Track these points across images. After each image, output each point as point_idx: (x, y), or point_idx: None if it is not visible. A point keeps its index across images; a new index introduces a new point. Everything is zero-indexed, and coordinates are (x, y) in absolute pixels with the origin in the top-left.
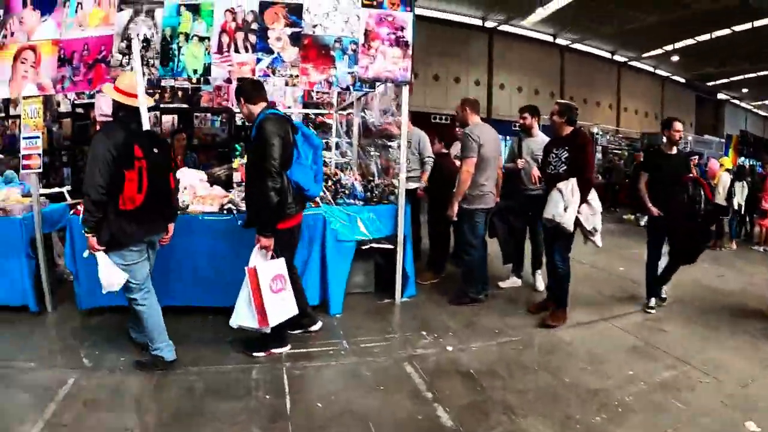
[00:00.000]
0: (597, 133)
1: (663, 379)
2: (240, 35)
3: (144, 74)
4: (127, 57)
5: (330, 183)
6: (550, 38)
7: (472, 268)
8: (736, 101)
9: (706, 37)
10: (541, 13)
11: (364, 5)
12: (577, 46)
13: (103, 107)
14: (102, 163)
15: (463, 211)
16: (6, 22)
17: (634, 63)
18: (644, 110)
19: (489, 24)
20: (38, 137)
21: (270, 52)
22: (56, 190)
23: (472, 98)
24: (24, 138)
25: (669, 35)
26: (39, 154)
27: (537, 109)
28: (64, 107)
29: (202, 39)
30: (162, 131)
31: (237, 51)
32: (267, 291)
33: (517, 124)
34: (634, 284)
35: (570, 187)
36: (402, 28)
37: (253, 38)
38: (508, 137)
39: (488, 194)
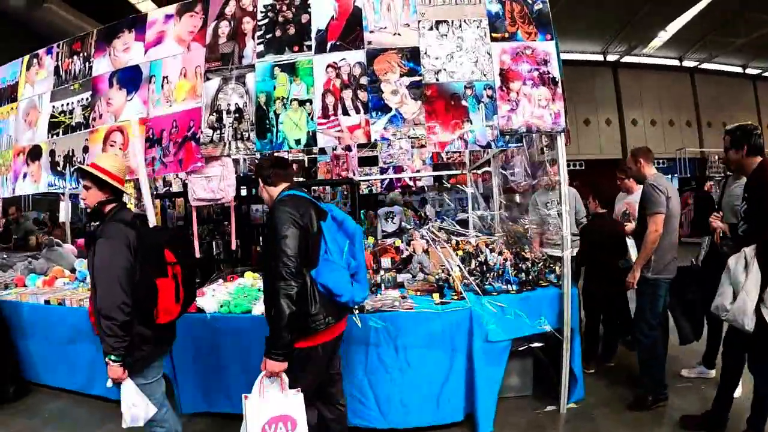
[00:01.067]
0: None
1: None
2: (347, 93)
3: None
4: (218, 132)
5: (474, 264)
6: (676, 62)
7: (653, 355)
8: None
9: None
10: (663, 36)
11: (493, 39)
12: (706, 65)
13: (197, 191)
14: (123, 274)
15: (643, 280)
16: (94, 104)
17: None
18: None
19: (611, 57)
20: None
21: (386, 109)
22: None
23: (644, 147)
24: None
25: None
26: None
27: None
28: (177, 187)
29: (302, 103)
30: None
31: (346, 113)
32: None
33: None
34: None
35: (742, 261)
36: (545, 62)
37: (363, 95)
38: None
39: (674, 260)
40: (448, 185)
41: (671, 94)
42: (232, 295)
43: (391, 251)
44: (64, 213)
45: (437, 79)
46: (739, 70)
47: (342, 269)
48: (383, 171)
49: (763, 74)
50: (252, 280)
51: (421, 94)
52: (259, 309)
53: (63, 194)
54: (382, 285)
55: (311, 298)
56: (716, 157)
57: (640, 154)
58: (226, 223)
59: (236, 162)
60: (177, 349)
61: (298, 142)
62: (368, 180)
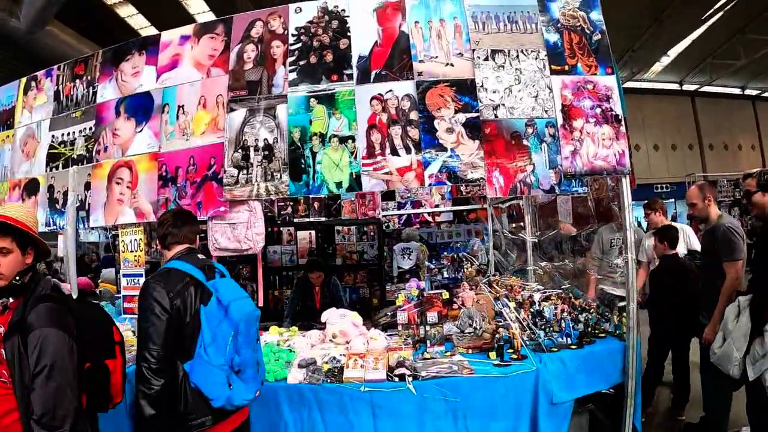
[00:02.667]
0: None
1: None
2: (396, 130)
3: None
4: (244, 172)
5: (525, 315)
6: (676, 86)
7: (723, 405)
8: None
9: None
10: (665, 60)
11: (553, 72)
12: (706, 88)
13: (219, 240)
14: (74, 373)
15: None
16: (99, 135)
17: None
18: None
19: None
20: (141, 275)
21: (441, 149)
22: None
23: (707, 182)
24: (125, 275)
25: None
26: None
27: None
28: None
29: (343, 140)
30: (298, 250)
31: (394, 152)
32: None
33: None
34: None
35: (734, 309)
36: (607, 98)
37: (414, 133)
38: None
39: None
40: (468, 219)
41: (673, 118)
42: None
43: (438, 304)
44: (62, 246)
45: (496, 116)
46: (738, 91)
47: (215, 369)
48: (401, 206)
49: (762, 95)
50: (278, 336)
51: (478, 132)
52: (296, 376)
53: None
54: (428, 341)
55: (181, 395)
56: (725, 181)
57: (709, 191)
58: (241, 266)
59: None
60: None
61: (339, 185)
62: (386, 215)
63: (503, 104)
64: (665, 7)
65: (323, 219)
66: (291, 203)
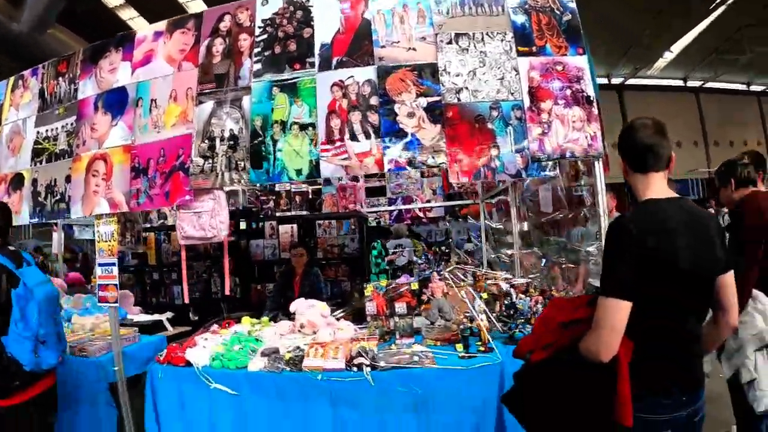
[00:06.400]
0: None
1: None
2: (356, 116)
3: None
4: (210, 161)
5: (499, 307)
6: (680, 82)
7: None
8: None
9: None
10: (668, 56)
11: (520, 54)
12: (711, 84)
13: (186, 228)
14: None
15: None
16: (79, 130)
17: None
18: None
19: (615, 80)
20: (114, 264)
21: (401, 134)
22: (155, 317)
23: None
24: (99, 265)
25: None
26: (116, 285)
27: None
28: (172, 220)
29: (304, 127)
30: (280, 244)
31: (354, 138)
32: None
33: None
34: None
35: None
36: (578, 79)
37: (374, 118)
38: None
39: None
40: (458, 215)
41: (677, 115)
42: (226, 346)
43: (407, 295)
44: (57, 244)
45: (459, 99)
46: (744, 87)
47: (24, 340)
48: (392, 202)
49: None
50: (249, 326)
51: (441, 116)
52: (257, 364)
53: (56, 224)
54: (397, 333)
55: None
56: None
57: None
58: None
59: (235, 193)
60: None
61: (299, 172)
62: (376, 212)
63: (467, 87)
64: (668, 1)
65: (304, 213)
66: (273, 197)
